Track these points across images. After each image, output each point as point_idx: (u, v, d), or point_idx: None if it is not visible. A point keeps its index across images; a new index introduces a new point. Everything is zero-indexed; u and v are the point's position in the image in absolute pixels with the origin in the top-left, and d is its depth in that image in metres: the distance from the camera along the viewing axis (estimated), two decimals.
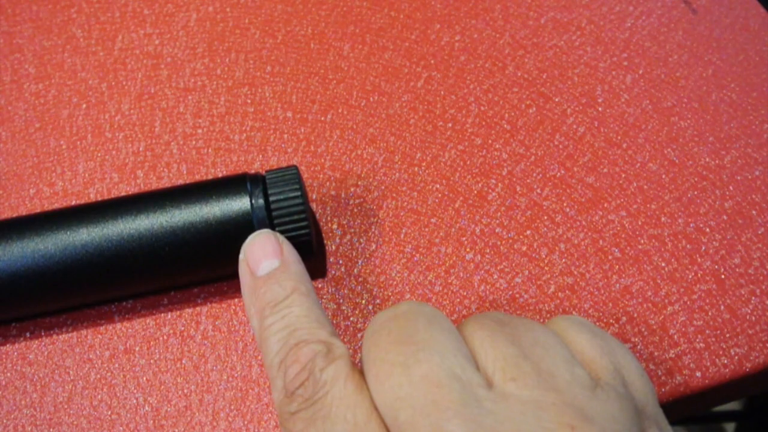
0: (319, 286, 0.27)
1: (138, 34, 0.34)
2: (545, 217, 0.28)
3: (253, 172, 0.26)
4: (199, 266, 0.25)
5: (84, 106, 0.32)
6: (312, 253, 0.26)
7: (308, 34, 0.33)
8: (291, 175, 0.25)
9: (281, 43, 0.33)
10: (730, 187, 0.29)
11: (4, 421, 0.25)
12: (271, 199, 0.24)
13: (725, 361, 0.25)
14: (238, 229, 0.24)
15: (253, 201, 0.24)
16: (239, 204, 0.24)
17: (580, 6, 0.34)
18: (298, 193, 0.24)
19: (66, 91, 0.32)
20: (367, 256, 0.28)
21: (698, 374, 0.25)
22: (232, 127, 0.31)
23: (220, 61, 0.33)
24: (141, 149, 0.30)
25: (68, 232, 0.24)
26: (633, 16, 0.33)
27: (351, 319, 0.26)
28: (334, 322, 0.26)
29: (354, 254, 0.28)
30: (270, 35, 0.33)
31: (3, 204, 0.29)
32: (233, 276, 0.27)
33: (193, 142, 0.30)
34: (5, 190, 0.30)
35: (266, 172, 0.25)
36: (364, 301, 0.27)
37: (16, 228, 0.24)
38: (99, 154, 0.30)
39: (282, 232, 0.25)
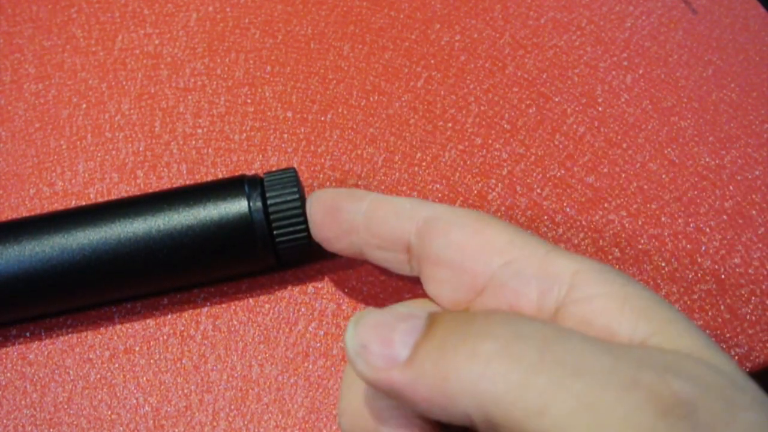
0: (319, 286, 0.27)
1: (138, 34, 0.34)
2: (545, 217, 0.28)
3: (251, 174, 0.26)
4: (197, 270, 0.25)
5: (84, 106, 0.32)
6: (310, 255, 0.26)
7: (308, 34, 0.33)
8: (289, 177, 0.25)
9: (281, 43, 0.33)
10: (730, 187, 0.29)
11: (4, 421, 0.25)
12: (269, 201, 0.24)
13: None
14: (236, 232, 0.24)
15: (251, 204, 0.24)
16: (237, 207, 0.24)
17: (580, 6, 0.34)
18: (296, 196, 0.24)
19: (66, 91, 0.32)
20: None
21: None
22: (232, 127, 0.31)
23: (220, 61, 0.33)
24: (141, 149, 0.30)
25: (65, 236, 0.24)
26: (633, 16, 0.33)
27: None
28: (334, 322, 0.26)
29: None
30: (270, 35, 0.33)
31: (3, 204, 0.29)
32: (232, 278, 0.27)
33: (193, 142, 0.30)
34: (5, 190, 0.30)
35: (264, 174, 0.25)
36: (364, 301, 0.27)
37: (12, 231, 0.24)
38: (99, 154, 0.30)
39: (280, 235, 0.24)
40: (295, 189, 0.24)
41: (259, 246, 0.24)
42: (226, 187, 0.25)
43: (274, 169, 0.28)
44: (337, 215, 0.23)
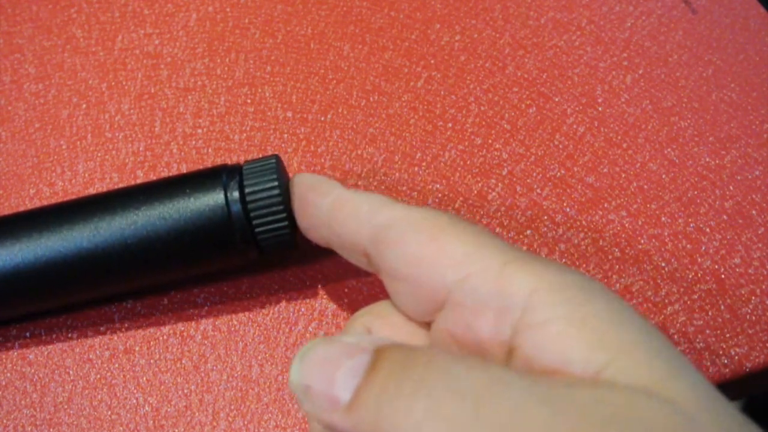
0: (319, 286, 0.27)
1: (138, 34, 0.34)
2: (545, 217, 0.28)
3: (233, 163, 0.25)
4: (180, 264, 0.24)
5: (84, 106, 0.32)
6: (294, 247, 0.25)
7: (308, 34, 0.33)
8: (269, 165, 0.24)
9: (281, 43, 0.33)
10: (730, 187, 0.29)
11: (4, 421, 0.25)
12: (247, 191, 0.23)
13: (725, 361, 0.25)
14: (214, 224, 0.23)
15: (228, 194, 0.23)
16: (214, 197, 0.23)
17: (580, 6, 0.34)
18: (275, 184, 0.23)
19: (66, 91, 0.32)
20: None
21: None
22: (232, 127, 0.31)
23: (220, 61, 0.33)
24: (141, 149, 0.30)
25: (40, 233, 0.24)
26: (633, 16, 0.33)
27: None
28: (334, 322, 0.26)
29: None
30: (270, 35, 0.33)
31: (3, 204, 0.29)
32: (225, 273, 0.27)
33: (193, 142, 0.30)
34: (5, 190, 0.30)
35: (245, 162, 0.24)
36: (364, 301, 0.27)
37: None
38: (99, 154, 0.30)
39: (259, 226, 0.24)
40: (274, 177, 0.23)
41: (238, 238, 0.23)
42: (205, 177, 0.24)
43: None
44: (306, 207, 0.22)
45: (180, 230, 0.23)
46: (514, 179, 0.29)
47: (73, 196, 0.29)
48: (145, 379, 0.26)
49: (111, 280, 0.24)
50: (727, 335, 0.25)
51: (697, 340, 0.25)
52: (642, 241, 0.27)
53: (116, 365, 0.26)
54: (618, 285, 0.26)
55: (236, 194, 0.23)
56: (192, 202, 0.23)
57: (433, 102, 0.31)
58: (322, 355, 0.17)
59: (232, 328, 0.26)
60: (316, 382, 0.17)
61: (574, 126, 0.30)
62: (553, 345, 0.16)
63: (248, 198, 0.23)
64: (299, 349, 0.26)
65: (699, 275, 0.27)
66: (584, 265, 0.27)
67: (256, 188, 0.23)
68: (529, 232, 0.28)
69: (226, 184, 0.24)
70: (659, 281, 0.27)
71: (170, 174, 0.30)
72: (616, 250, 0.27)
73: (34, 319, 0.27)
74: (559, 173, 0.29)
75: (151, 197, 0.24)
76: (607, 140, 0.30)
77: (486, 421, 0.15)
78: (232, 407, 0.25)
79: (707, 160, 0.29)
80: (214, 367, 0.26)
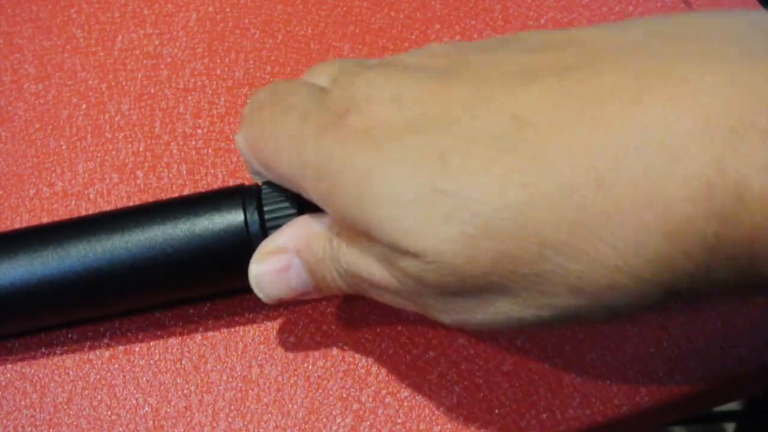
0: None
1: (138, 34, 0.34)
2: None
3: (249, 183, 0.25)
4: (194, 285, 0.24)
5: (84, 106, 0.32)
6: None
7: (308, 34, 0.33)
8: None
9: (281, 43, 0.33)
10: None
11: (4, 421, 0.25)
12: (267, 217, 0.24)
13: (725, 362, 0.25)
14: (233, 246, 0.23)
15: (247, 216, 0.24)
16: (233, 219, 0.23)
17: (580, 6, 0.34)
18: (294, 211, 0.24)
19: (66, 91, 0.32)
20: None
21: (698, 374, 0.25)
22: (232, 127, 0.31)
23: (220, 61, 0.33)
24: (141, 149, 0.30)
25: (55, 250, 0.23)
26: (633, 16, 0.33)
27: (355, 318, 0.26)
28: (335, 322, 0.26)
29: None
30: (270, 35, 0.33)
31: (3, 204, 0.29)
32: (232, 293, 0.27)
33: (193, 142, 0.30)
34: (5, 190, 0.30)
35: (263, 184, 0.25)
36: (364, 301, 0.27)
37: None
38: (99, 154, 0.30)
39: None
40: (294, 203, 0.24)
41: None
42: (222, 197, 0.24)
43: None
44: None
45: (198, 251, 0.23)
46: None
47: (73, 197, 0.29)
48: (145, 379, 0.26)
49: (126, 298, 0.25)
50: (728, 335, 0.25)
51: (697, 340, 0.25)
52: None
53: (116, 365, 0.26)
54: None
55: (256, 217, 0.24)
56: (211, 223, 0.23)
57: None
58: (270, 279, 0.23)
59: (232, 329, 0.26)
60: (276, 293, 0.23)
61: None
62: None
63: (268, 225, 0.23)
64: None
65: None
66: None
67: (276, 215, 0.24)
68: None
69: (245, 205, 0.24)
70: None
71: (170, 173, 0.30)
72: None
73: (21, 335, 0.27)
74: None
75: (169, 216, 0.24)
76: None
77: None
78: (232, 408, 0.25)
79: None
80: (214, 368, 0.26)
